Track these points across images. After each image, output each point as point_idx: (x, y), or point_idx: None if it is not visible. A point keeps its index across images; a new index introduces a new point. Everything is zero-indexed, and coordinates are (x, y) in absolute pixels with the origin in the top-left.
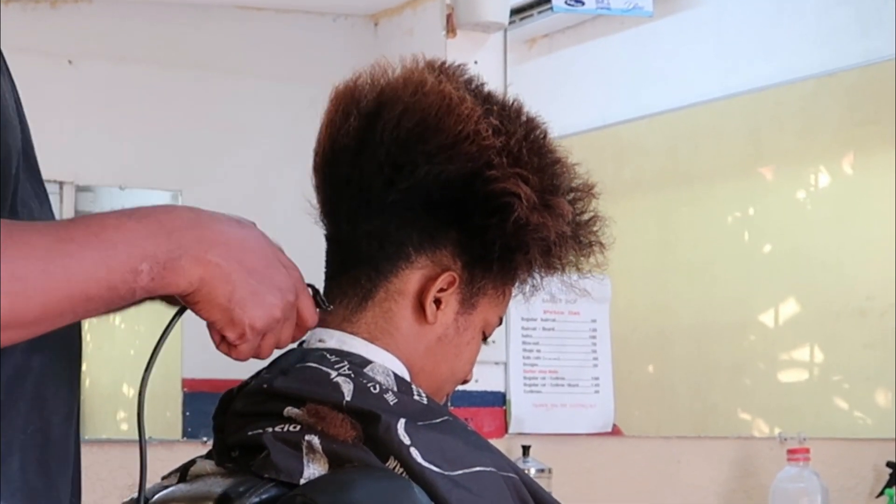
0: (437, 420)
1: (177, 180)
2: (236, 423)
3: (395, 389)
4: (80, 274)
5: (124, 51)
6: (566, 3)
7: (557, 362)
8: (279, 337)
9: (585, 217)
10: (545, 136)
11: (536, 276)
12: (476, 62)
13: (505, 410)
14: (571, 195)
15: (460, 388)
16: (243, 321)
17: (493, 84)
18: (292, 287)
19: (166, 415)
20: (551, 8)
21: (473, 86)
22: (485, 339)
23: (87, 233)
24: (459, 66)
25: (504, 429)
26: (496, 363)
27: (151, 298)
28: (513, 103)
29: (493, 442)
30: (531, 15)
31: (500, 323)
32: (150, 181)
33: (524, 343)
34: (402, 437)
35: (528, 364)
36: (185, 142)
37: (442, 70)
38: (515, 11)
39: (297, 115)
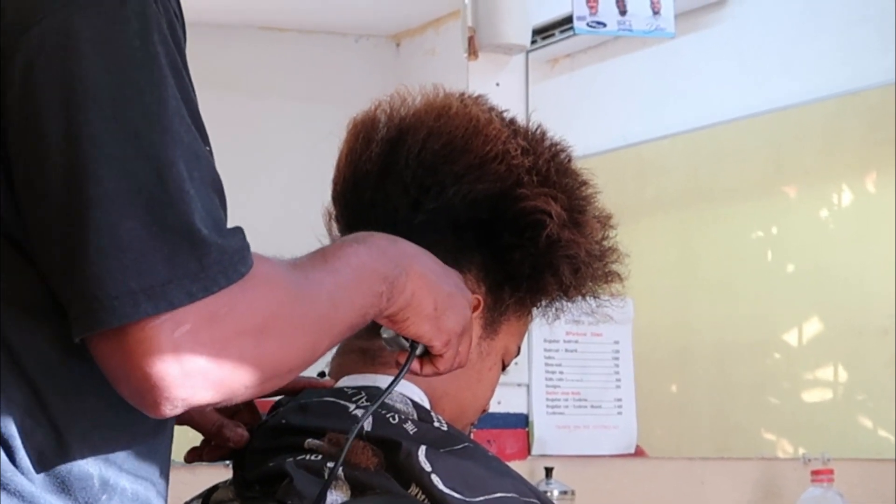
0: (458, 446)
1: None
2: (256, 458)
3: (415, 418)
4: (350, 315)
5: None
6: (588, 24)
7: (580, 384)
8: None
9: (606, 245)
10: (570, 160)
11: (561, 299)
12: (498, 84)
13: (528, 432)
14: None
15: None
16: (448, 328)
17: (515, 106)
18: (464, 286)
19: (189, 437)
20: (573, 29)
21: (497, 112)
22: (504, 367)
23: (349, 271)
24: (480, 95)
25: (527, 451)
26: (518, 385)
27: None
28: (537, 128)
29: (516, 464)
30: (553, 34)
31: (518, 353)
32: None
33: (546, 364)
34: (423, 464)
35: (551, 386)
36: None
37: (464, 97)
38: (538, 32)
39: (320, 135)
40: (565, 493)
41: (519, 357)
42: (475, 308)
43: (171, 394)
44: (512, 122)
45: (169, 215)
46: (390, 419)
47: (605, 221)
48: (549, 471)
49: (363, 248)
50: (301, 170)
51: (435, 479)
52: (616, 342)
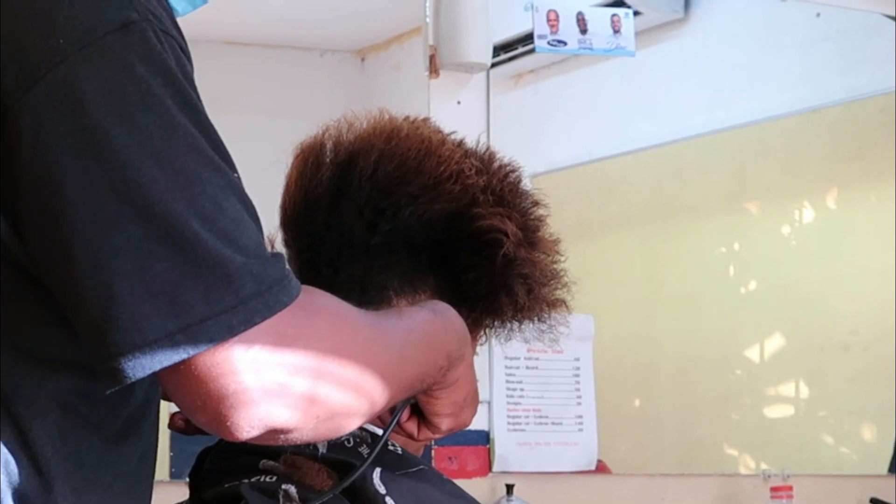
0: (413, 469)
1: None
2: (211, 479)
3: (370, 441)
4: (414, 375)
5: None
6: (548, 43)
7: (541, 401)
8: None
9: (557, 268)
10: (520, 180)
11: (514, 320)
12: (459, 102)
13: (489, 449)
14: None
15: None
16: (461, 420)
17: (476, 124)
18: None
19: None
20: (534, 48)
21: (445, 134)
22: None
23: (422, 335)
24: (426, 118)
25: (488, 467)
26: (480, 402)
27: None
28: (486, 149)
29: (477, 481)
30: (516, 48)
31: None
32: None
33: (507, 381)
34: (377, 487)
35: (512, 403)
36: None
37: (412, 119)
38: (501, 48)
39: (285, 150)
40: None
41: (479, 374)
42: None
43: (249, 413)
44: (462, 143)
45: (199, 252)
46: (345, 443)
47: (555, 244)
48: (510, 488)
49: (439, 321)
50: (265, 184)
51: (389, 501)
52: (577, 359)
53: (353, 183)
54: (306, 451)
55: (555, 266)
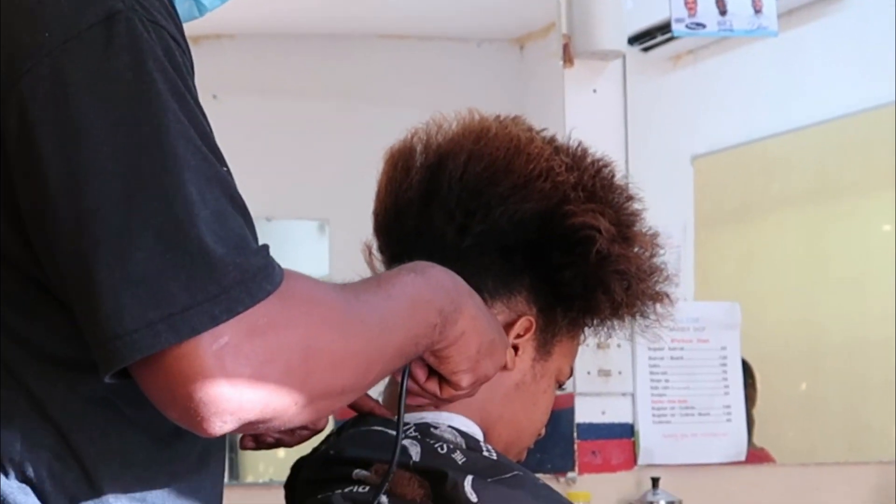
0: (507, 475)
1: (323, 210)
2: (305, 490)
3: (464, 447)
4: (402, 341)
5: (267, 84)
6: (686, 26)
7: (687, 391)
8: None
9: (655, 262)
10: (614, 175)
11: (613, 318)
12: (595, 91)
13: (633, 442)
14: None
15: (587, 420)
16: (481, 373)
17: (612, 112)
18: (504, 333)
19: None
20: (671, 32)
21: (536, 131)
22: (559, 387)
23: (404, 298)
24: (517, 116)
25: (633, 461)
26: (623, 394)
27: None
28: (578, 145)
29: (621, 474)
30: (654, 37)
31: (572, 373)
32: (296, 212)
33: (651, 373)
34: (468, 495)
35: (657, 394)
36: (330, 172)
37: (502, 118)
38: (658, 29)
39: None
40: (672, 503)
41: (622, 366)
42: (527, 330)
43: (220, 407)
44: (552, 140)
45: (182, 240)
46: (438, 449)
47: (653, 238)
48: (655, 481)
49: (421, 279)
50: None
51: None
52: (723, 348)
53: (442, 185)
54: (399, 459)
55: (654, 260)
